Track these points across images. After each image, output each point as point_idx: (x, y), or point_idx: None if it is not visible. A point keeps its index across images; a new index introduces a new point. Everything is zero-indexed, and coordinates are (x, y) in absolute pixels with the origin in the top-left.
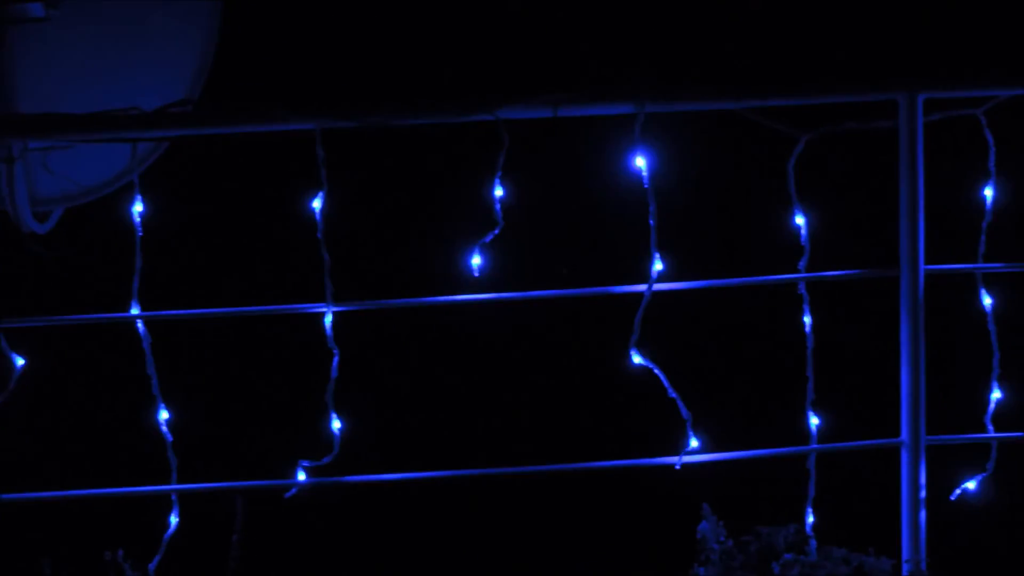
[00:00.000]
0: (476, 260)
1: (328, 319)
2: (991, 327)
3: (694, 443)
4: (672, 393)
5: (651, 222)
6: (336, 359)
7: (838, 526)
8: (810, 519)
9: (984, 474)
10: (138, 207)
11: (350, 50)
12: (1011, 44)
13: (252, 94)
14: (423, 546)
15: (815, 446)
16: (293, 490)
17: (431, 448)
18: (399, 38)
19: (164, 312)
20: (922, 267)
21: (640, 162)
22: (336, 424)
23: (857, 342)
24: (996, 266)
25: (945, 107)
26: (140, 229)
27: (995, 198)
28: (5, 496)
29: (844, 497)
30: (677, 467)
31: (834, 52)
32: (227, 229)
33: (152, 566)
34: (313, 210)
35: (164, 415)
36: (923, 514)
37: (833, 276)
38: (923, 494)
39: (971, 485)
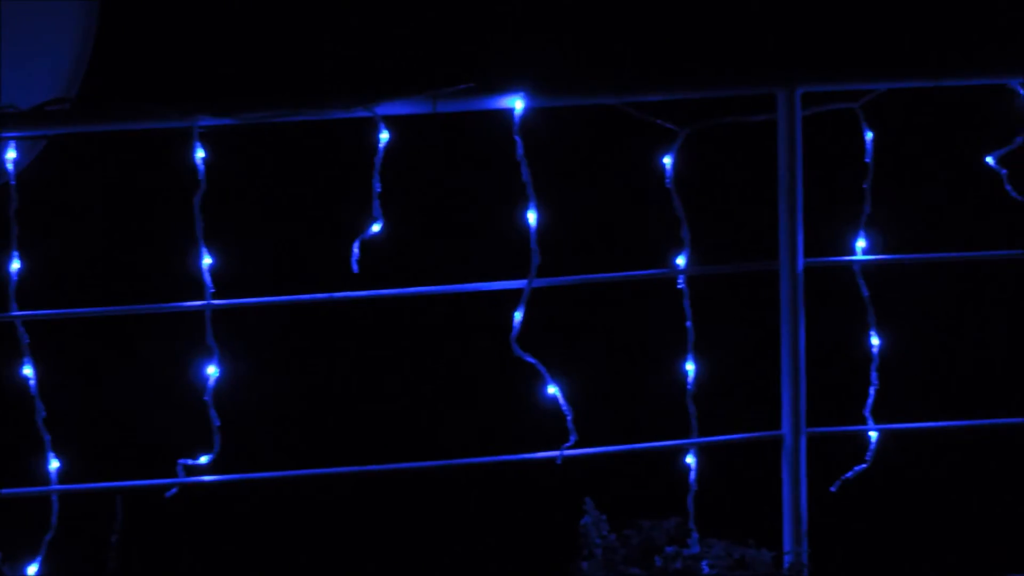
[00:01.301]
0: (356, 254)
1: (208, 316)
2: (871, 319)
3: (575, 438)
4: (553, 387)
5: (529, 217)
6: (216, 357)
7: (720, 519)
8: (692, 512)
9: (863, 465)
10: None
11: (230, 47)
12: (888, 38)
13: (130, 92)
14: (304, 543)
15: (696, 439)
16: (174, 490)
17: (312, 445)
18: (280, 34)
19: (45, 312)
20: (801, 260)
21: (518, 156)
22: (215, 423)
23: (739, 335)
24: (875, 258)
25: (824, 101)
26: (16, 227)
27: (872, 190)
28: None
29: (727, 490)
30: (558, 462)
31: (715, 47)
32: (106, 227)
33: (32, 569)
34: (194, 207)
35: (42, 415)
36: (804, 505)
37: (713, 270)
38: (804, 486)
39: (850, 476)
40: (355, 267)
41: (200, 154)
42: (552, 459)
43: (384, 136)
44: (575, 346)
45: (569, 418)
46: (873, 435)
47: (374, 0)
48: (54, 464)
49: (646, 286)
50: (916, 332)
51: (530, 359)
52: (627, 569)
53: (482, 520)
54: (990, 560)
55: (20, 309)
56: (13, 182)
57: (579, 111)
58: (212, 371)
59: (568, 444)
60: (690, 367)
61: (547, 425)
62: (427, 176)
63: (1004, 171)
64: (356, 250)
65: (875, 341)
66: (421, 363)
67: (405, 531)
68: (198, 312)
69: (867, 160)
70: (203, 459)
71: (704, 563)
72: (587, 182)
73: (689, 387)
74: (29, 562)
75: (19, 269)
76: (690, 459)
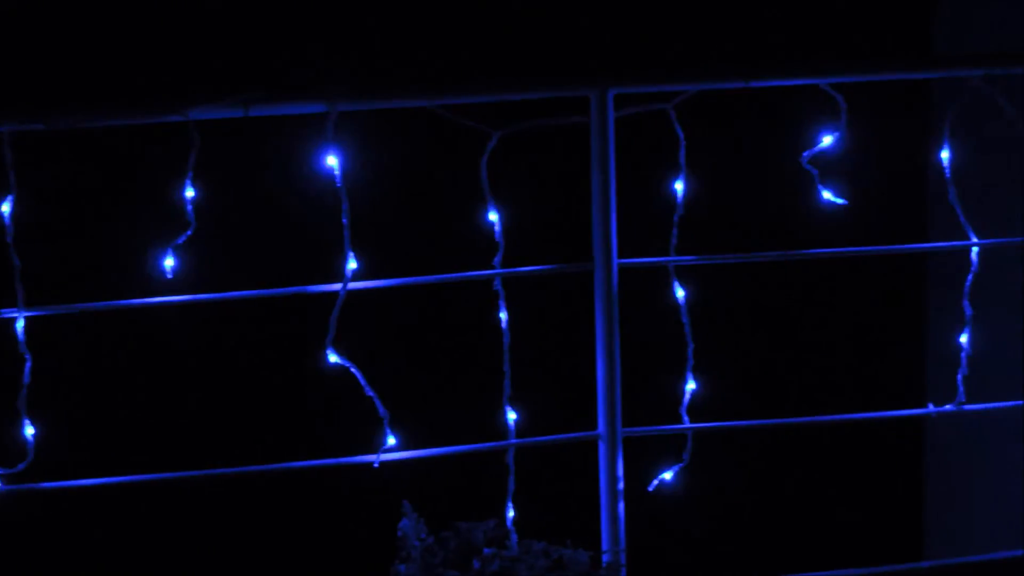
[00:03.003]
0: (169, 262)
1: (20, 324)
2: (684, 319)
3: (392, 441)
4: (369, 391)
5: (344, 220)
6: (28, 365)
7: (539, 519)
8: (511, 513)
9: (680, 464)
10: None
11: (41, 52)
12: (700, 38)
13: None
14: (122, 550)
15: (513, 440)
16: None
17: (130, 452)
18: (91, 38)
19: None
20: (615, 261)
21: (332, 161)
22: (30, 430)
23: (557, 336)
24: (688, 259)
25: (639, 102)
26: None
27: (685, 191)
28: None
29: (546, 490)
30: (376, 465)
31: (531, 49)
32: None
33: None
34: (1, 214)
35: None
36: (621, 505)
37: (528, 271)
38: (621, 485)
39: (668, 476)
40: (168, 274)
41: (8, 159)
42: (369, 463)
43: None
44: (396, 350)
45: (386, 421)
46: (689, 434)
47: (190, 9)
48: None
49: (472, 287)
50: (734, 331)
51: (346, 363)
52: (445, 571)
53: (301, 525)
54: (807, 555)
55: None
56: None
57: (404, 114)
58: (23, 379)
59: (386, 447)
60: (507, 369)
61: (368, 430)
62: (242, 181)
63: (815, 171)
64: (169, 257)
65: (690, 341)
66: (233, 369)
67: (224, 535)
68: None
69: (680, 160)
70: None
71: (522, 565)
72: (410, 185)
73: (507, 390)
74: None
75: None
76: (510, 460)
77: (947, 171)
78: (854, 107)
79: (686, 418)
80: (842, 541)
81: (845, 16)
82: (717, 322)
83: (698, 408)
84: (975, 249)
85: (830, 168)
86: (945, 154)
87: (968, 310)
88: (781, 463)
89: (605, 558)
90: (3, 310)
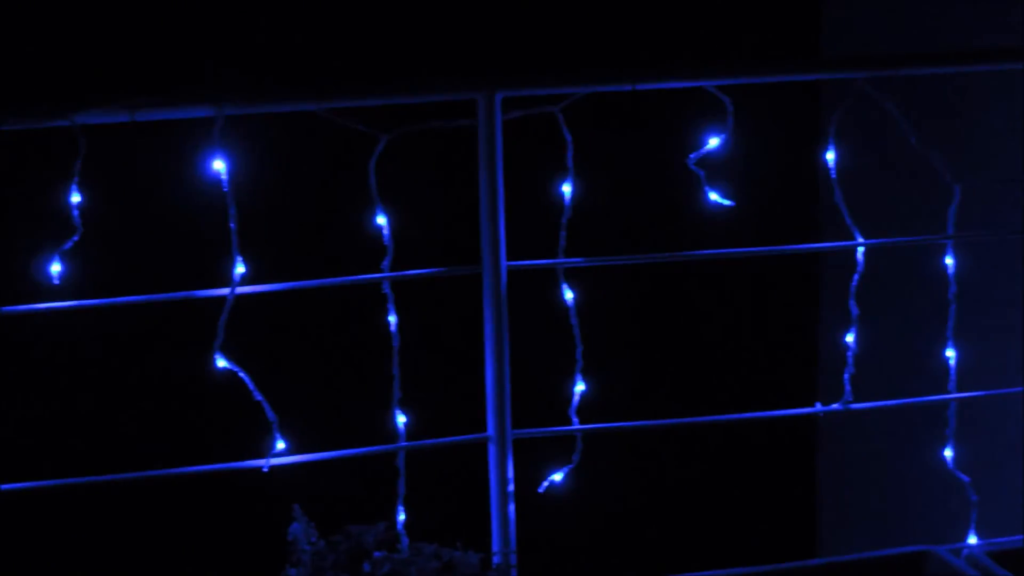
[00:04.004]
0: (56, 268)
1: None
2: (573, 321)
3: (281, 445)
4: (258, 396)
5: (232, 225)
6: None
7: (430, 522)
8: (401, 516)
9: (570, 466)
10: None
11: None
12: (589, 41)
13: None
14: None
15: (403, 443)
16: None
17: (16, 458)
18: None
19: None
20: (503, 264)
21: (220, 165)
22: None
23: (448, 339)
24: (576, 261)
25: (526, 105)
26: None
27: (573, 194)
28: None
29: (436, 493)
30: (265, 470)
31: (422, 52)
32: None
33: None
34: None
35: None
36: (511, 507)
37: (416, 274)
38: (511, 487)
39: (558, 477)
40: (54, 280)
41: None
42: (259, 468)
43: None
44: (286, 354)
45: (275, 425)
46: (578, 435)
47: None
48: None
49: (361, 291)
50: (624, 333)
51: (234, 367)
52: (335, 575)
53: (191, 530)
54: (700, 555)
55: None
56: None
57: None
58: None
59: (275, 452)
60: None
61: (257, 435)
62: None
63: (702, 172)
64: (55, 263)
65: (578, 344)
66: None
67: (114, 541)
68: None
69: (568, 163)
70: None
71: (412, 568)
72: (299, 189)
73: (397, 393)
74: None
75: None
76: (400, 463)
77: (833, 172)
78: (748, 109)
79: (576, 420)
80: (735, 540)
81: (736, 20)
82: (607, 324)
83: (589, 409)
84: (861, 249)
85: (721, 170)
86: (831, 155)
87: (854, 310)
88: (674, 464)
89: (495, 560)
90: None
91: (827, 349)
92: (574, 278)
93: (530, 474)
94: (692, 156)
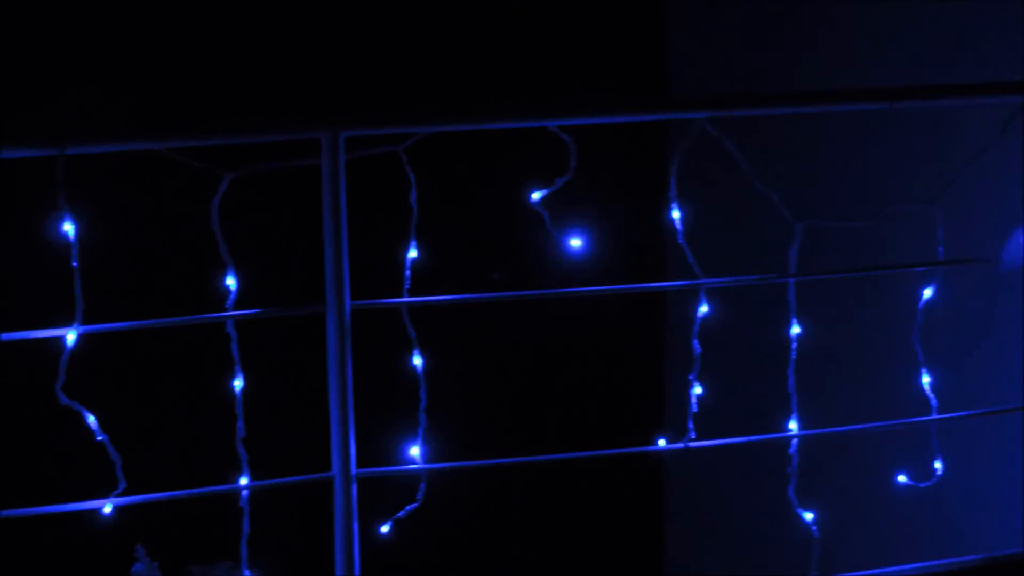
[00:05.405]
0: None
1: None
2: (418, 360)
3: (124, 485)
4: (101, 436)
5: (74, 264)
6: None
7: (275, 561)
8: (245, 555)
9: (414, 504)
10: None
11: None
12: (435, 82)
13: None
14: None
15: (248, 483)
16: None
17: None
18: None
19: None
20: (347, 303)
21: (62, 205)
22: None
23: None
24: (421, 299)
25: (369, 144)
26: None
27: (417, 233)
28: None
29: (282, 531)
30: (108, 510)
31: (270, 92)
32: None
33: None
34: None
35: None
36: (356, 546)
37: (261, 314)
38: (355, 526)
39: (401, 516)
40: None
41: None
42: (99, 508)
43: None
44: (131, 393)
45: (118, 465)
46: (423, 474)
47: None
48: None
49: (206, 330)
50: (472, 370)
51: (77, 407)
52: None
53: (33, 572)
54: None
55: None
56: None
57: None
58: None
59: (118, 491)
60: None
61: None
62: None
63: (546, 212)
64: None
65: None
66: None
67: None
68: None
69: (412, 202)
70: None
71: None
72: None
73: (240, 432)
74: None
75: None
76: (244, 502)
77: (674, 210)
78: (596, 149)
79: (419, 458)
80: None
81: (583, 63)
82: (453, 363)
83: (434, 448)
84: (703, 289)
85: (568, 210)
86: (672, 196)
87: (697, 349)
88: (520, 502)
89: None
90: None
91: (673, 388)
92: (419, 318)
93: (375, 513)
94: (535, 196)
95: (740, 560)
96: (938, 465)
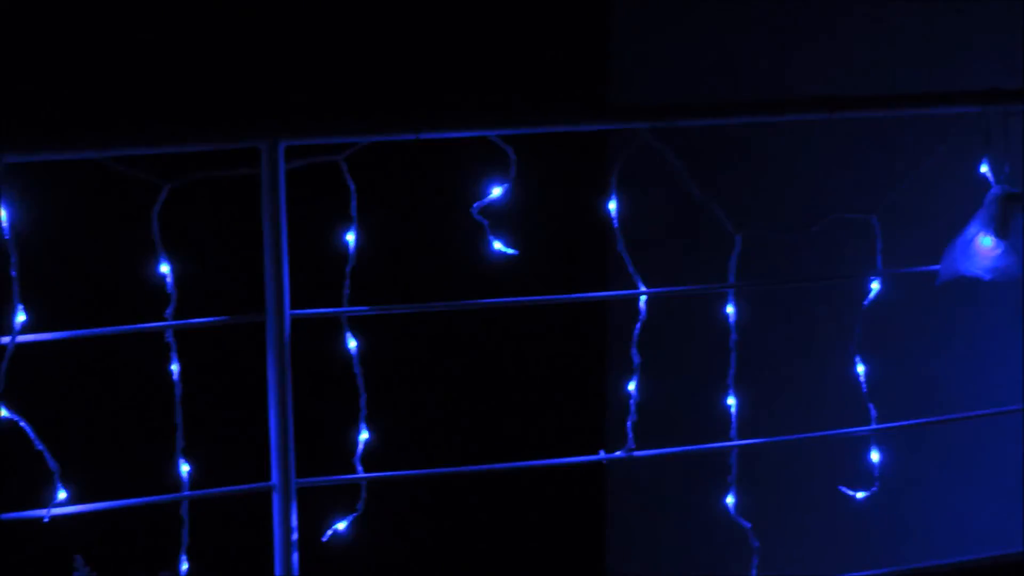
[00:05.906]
0: None
1: None
2: (357, 370)
3: (63, 495)
4: (39, 445)
5: (13, 273)
6: None
7: (215, 571)
8: (184, 566)
9: (355, 514)
10: None
11: None
12: (377, 91)
13: None
14: None
15: (187, 493)
16: None
17: None
18: None
19: None
20: (287, 312)
21: (0, 213)
22: None
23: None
24: (360, 309)
25: (309, 153)
26: None
27: (358, 243)
28: None
29: (222, 542)
30: (46, 520)
31: (210, 100)
32: None
33: None
34: None
35: None
36: (295, 556)
37: (200, 323)
38: (295, 536)
39: (342, 526)
40: None
41: None
42: (39, 517)
43: None
44: (68, 402)
45: (57, 475)
46: (363, 484)
47: None
48: None
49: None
50: (412, 380)
51: (14, 416)
52: None
53: None
54: None
55: None
56: None
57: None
58: None
59: (56, 502)
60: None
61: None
62: None
63: (486, 222)
64: None
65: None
66: None
67: None
68: None
69: (352, 212)
70: None
71: None
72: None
73: (180, 442)
74: None
75: None
76: (184, 512)
77: (615, 222)
78: (536, 158)
79: (360, 468)
80: None
81: (525, 73)
82: (394, 372)
83: (374, 458)
84: (643, 298)
85: (509, 219)
86: (613, 205)
87: (636, 358)
88: (461, 511)
89: None
90: None
91: (615, 397)
92: (359, 327)
93: (316, 523)
94: (476, 205)
95: (683, 565)
96: (874, 475)
